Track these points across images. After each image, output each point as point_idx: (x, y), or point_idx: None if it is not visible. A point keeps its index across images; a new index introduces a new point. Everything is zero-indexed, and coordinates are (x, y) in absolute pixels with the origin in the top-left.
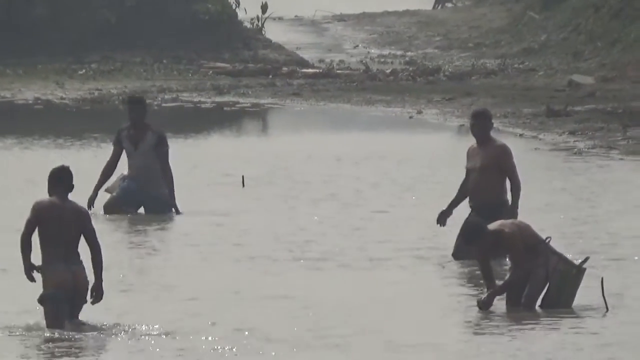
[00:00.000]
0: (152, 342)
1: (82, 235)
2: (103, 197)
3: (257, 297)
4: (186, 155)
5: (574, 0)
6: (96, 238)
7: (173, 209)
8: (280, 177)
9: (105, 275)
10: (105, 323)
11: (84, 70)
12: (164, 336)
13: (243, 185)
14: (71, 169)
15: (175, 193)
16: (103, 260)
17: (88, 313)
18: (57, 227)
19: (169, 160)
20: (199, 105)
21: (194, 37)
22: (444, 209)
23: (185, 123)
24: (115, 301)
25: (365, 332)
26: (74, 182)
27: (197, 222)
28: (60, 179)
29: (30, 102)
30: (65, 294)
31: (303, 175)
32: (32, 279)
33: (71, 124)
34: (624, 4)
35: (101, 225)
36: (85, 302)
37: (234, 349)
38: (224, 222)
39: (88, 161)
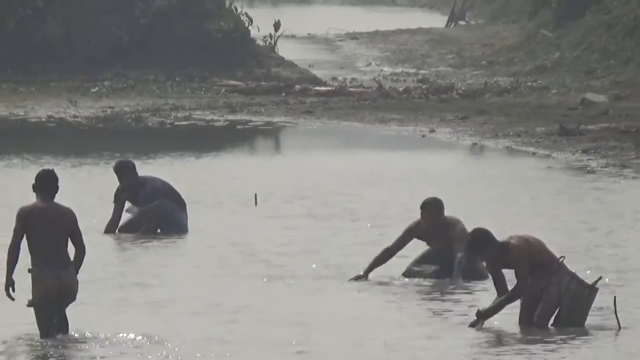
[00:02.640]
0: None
1: (69, 237)
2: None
3: (252, 317)
4: (199, 174)
5: (587, 19)
6: (82, 240)
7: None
8: (293, 195)
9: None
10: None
11: (96, 88)
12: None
13: (256, 204)
14: (55, 172)
15: None
16: (84, 263)
17: (84, 324)
18: (42, 230)
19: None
20: (211, 123)
21: (206, 55)
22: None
23: (198, 141)
24: (114, 318)
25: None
26: (59, 184)
27: (206, 240)
28: (45, 183)
29: (43, 120)
30: (52, 300)
31: (314, 194)
32: (10, 297)
33: (84, 142)
34: (638, 22)
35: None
36: (73, 300)
37: None
38: (236, 239)
39: (100, 179)
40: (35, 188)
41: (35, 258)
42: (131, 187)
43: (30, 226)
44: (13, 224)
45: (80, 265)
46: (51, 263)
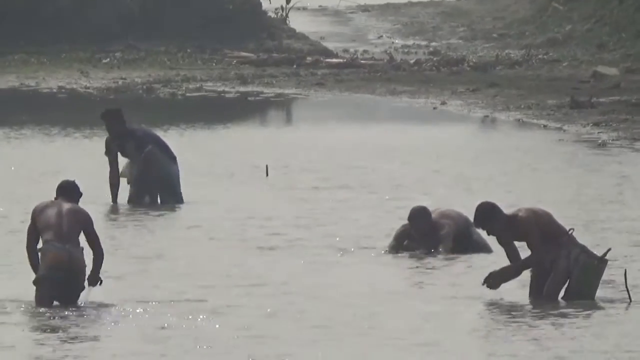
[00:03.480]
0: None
1: (82, 233)
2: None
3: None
4: (210, 145)
5: None
6: (99, 243)
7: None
8: (303, 167)
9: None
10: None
11: (108, 59)
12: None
13: (267, 175)
14: (77, 182)
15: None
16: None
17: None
18: (55, 218)
19: (155, 157)
20: (223, 94)
21: (218, 26)
22: None
23: (209, 113)
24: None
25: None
26: (81, 192)
27: (215, 211)
28: (64, 193)
29: (55, 90)
30: (60, 274)
31: (325, 166)
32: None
33: (95, 113)
34: None
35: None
36: (83, 288)
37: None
38: (247, 210)
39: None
40: (56, 193)
41: (46, 237)
42: (120, 136)
43: (43, 216)
44: (27, 198)
45: (100, 268)
46: (64, 240)
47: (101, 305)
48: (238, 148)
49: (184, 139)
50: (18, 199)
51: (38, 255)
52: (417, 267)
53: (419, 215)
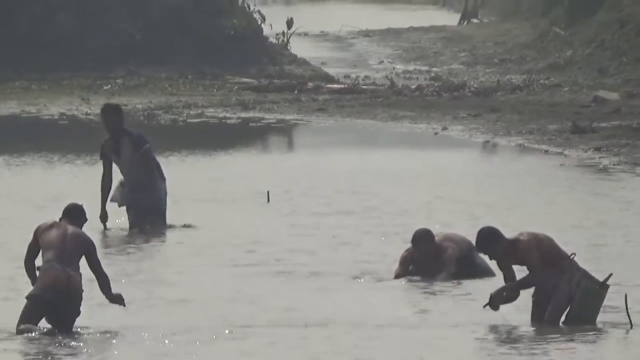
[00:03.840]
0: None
1: (83, 257)
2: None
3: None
4: (211, 171)
5: (599, 16)
6: (101, 267)
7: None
8: (305, 193)
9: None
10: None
11: (109, 86)
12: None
13: (268, 201)
14: (84, 207)
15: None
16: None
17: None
18: (59, 239)
19: (152, 156)
20: (224, 120)
21: (219, 52)
22: None
23: (210, 139)
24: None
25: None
26: (87, 218)
27: (218, 235)
28: (71, 216)
29: (56, 117)
30: (56, 295)
31: (326, 192)
32: None
33: (96, 139)
34: None
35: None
36: (78, 314)
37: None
38: (248, 235)
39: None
40: (61, 218)
41: (46, 257)
42: (118, 131)
43: (44, 237)
44: (27, 224)
45: (110, 289)
46: (65, 263)
47: (103, 332)
48: (239, 174)
49: (185, 164)
50: (19, 225)
51: (36, 272)
52: (422, 293)
53: (422, 237)
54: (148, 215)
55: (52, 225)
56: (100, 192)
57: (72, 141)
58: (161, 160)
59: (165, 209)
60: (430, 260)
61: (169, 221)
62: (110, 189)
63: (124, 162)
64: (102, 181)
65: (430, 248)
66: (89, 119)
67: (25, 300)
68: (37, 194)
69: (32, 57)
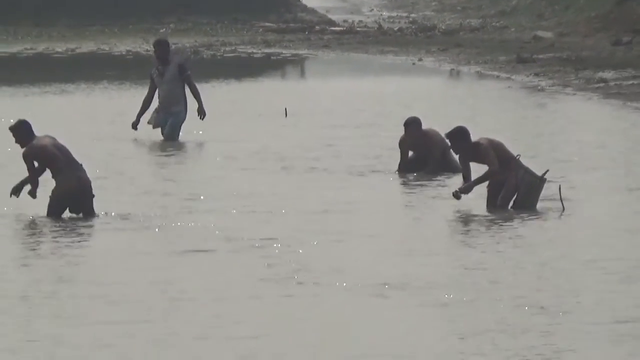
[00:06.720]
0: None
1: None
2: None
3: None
4: (241, 94)
5: None
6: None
7: (201, 115)
8: (314, 110)
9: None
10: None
11: (163, 29)
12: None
13: (286, 116)
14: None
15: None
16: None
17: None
18: (53, 149)
19: (192, 81)
20: (252, 55)
21: (248, 3)
22: None
23: (241, 69)
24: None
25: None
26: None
27: (242, 146)
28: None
29: (124, 53)
30: (72, 197)
31: (331, 108)
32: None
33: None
34: None
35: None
36: (93, 196)
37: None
38: (270, 145)
39: None
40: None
41: (55, 167)
42: (165, 60)
43: (47, 151)
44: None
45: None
46: (69, 167)
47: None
48: (264, 95)
49: (222, 89)
50: (101, 137)
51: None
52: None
53: (412, 121)
54: (175, 130)
55: (43, 141)
56: (140, 105)
57: (134, 71)
58: (204, 85)
59: (180, 129)
60: (418, 142)
61: (208, 132)
62: (148, 106)
63: (166, 83)
64: (145, 99)
65: (418, 131)
66: (149, 54)
67: None
68: (113, 110)
69: (105, 8)
